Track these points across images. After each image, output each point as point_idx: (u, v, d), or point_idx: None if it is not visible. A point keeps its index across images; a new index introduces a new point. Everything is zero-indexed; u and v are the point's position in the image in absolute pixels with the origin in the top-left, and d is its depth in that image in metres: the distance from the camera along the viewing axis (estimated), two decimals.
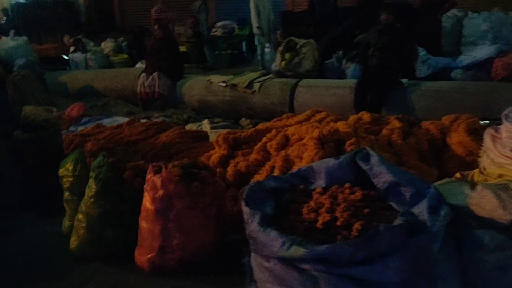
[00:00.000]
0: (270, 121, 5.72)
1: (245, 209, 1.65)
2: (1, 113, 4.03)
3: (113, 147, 3.24)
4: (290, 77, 6.30)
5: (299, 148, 3.11)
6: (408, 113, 4.35)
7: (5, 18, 13.85)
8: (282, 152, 3.19)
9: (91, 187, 2.85)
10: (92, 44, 9.85)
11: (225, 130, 5.58)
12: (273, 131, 3.46)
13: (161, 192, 2.64)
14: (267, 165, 3.18)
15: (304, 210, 1.68)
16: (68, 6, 14.24)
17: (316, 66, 6.49)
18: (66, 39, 13.31)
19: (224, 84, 6.14)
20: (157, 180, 2.66)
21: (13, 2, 15.12)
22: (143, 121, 6.10)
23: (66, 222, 3.18)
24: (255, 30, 8.05)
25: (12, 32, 8.62)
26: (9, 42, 7.98)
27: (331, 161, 1.84)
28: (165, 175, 2.66)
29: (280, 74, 6.42)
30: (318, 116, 3.99)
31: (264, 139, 3.39)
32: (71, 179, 3.14)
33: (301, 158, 3.07)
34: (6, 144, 3.79)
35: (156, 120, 5.21)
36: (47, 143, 3.97)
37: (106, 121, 6.31)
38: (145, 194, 2.72)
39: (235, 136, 3.50)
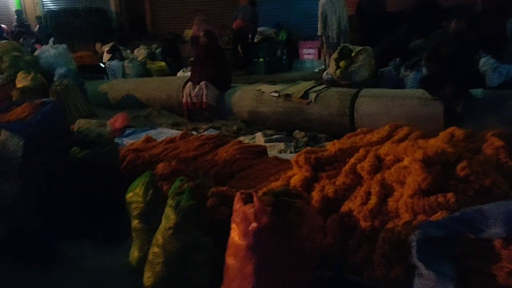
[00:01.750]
0: (326, 133, 5.43)
1: (429, 274, 1.28)
2: (57, 126, 3.73)
3: (187, 170, 2.90)
4: (344, 86, 5.94)
5: (399, 171, 2.73)
6: (485, 127, 3.94)
7: (38, 26, 13.78)
8: (378, 176, 2.82)
9: (170, 218, 2.51)
10: (128, 51, 9.61)
11: (281, 144, 5.29)
12: (361, 151, 3.08)
13: (254, 225, 2.29)
14: (361, 191, 2.81)
15: (496, 270, 1.31)
16: (101, 13, 14.10)
17: (372, 75, 6.11)
18: (98, 46, 13.19)
19: (276, 94, 5.79)
20: (249, 211, 2.31)
21: (46, 10, 15.08)
22: (194, 133, 5.83)
23: (134, 253, 2.86)
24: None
25: (51, 40, 8.42)
26: (49, 50, 7.75)
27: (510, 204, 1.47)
28: (258, 205, 2.32)
29: (333, 83, 6.07)
30: (401, 132, 3.60)
31: (353, 160, 3.01)
32: (141, 205, 2.82)
33: (402, 183, 2.69)
34: (63, 162, 3.50)
35: (212, 134, 4.85)
36: (105, 161, 3.67)
37: (152, 133, 6.03)
38: (233, 226, 2.37)
39: (317, 156, 3.13)
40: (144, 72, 9.24)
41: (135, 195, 2.86)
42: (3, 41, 9.75)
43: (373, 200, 2.70)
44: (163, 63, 9.29)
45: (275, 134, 5.56)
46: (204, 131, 5.98)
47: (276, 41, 10.47)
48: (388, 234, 2.55)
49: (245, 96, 6.12)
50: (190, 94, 6.35)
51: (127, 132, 6.18)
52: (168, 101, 6.88)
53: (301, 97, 5.55)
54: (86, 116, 6.37)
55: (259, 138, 5.40)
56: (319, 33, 7.48)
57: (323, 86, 5.68)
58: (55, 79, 7.30)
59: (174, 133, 5.93)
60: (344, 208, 2.80)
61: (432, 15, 6.23)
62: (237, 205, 2.39)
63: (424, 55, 5.43)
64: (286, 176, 3.24)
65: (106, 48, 11.32)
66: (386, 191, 2.74)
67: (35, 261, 3.11)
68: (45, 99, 3.84)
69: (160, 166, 2.92)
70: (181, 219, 2.49)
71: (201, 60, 6.39)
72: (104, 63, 9.76)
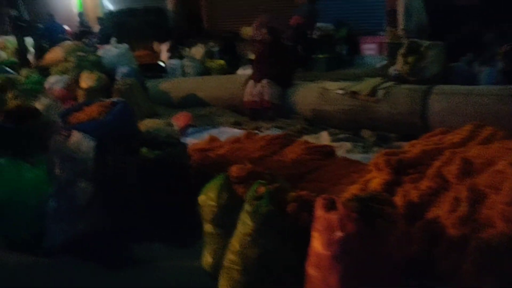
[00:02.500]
0: (396, 133, 5.20)
1: None
2: (128, 126, 3.71)
3: (264, 172, 2.79)
4: (412, 83, 5.67)
5: (493, 176, 2.52)
6: None
7: (99, 27, 14.12)
8: (467, 181, 2.61)
9: (247, 223, 2.41)
10: (187, 50, 9.65)
11: (348, 144, 5.11)
12: (446, 153, 2.88)
13: (339, 233, 2.15)
14: (449, 196, 2.61)
15: None
16: (159, 12, 14.27)
17: (442, 70, 5.81)
18: (155, 45, 13.35)
19: (342, 92, 5.61)
20: (333, 218, 2.17)
21: (105, 11, 15.44)
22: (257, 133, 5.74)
23: (208, 258, 2.78)
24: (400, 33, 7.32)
25: (114, 39, 8.56)
26: (112, 50, 7.87)
27: None
28: (343, 212, 2.17)
29: (400, 79, 5.80)
30: (484, 133, 3.36)
31: (438, 163, 2.82)
32: (215, 209, 2.74)
33: (497, 189, 2.48)
34: (134, 163, 3.48)
35: (277, 133, 4.74)
36: (176, 162, 3.62)
37: (214, 132, 5.99)
38: (315, 234, 2.24)
39: (398, 158, 2.95)
40: (204, 70, 9.25)
41: (208, 198, 2.78)
42: (68, 41, 10.03)
43: (464, 206, 2.50)
44: (222, 62, 9.26)
45: (340, 133, 5.38)
46: (266, 130, 5.89)
47: (336, 37, 10.25)
48: (480, 243, 2.36)
49: (308, 94, 5.97)
50: (251, 92, 6.26)
51: (190, 131, 6.16)
52: (231, 99, 6.82)
53: (369, 94, 5.35)
54: (149, 115, 6.40)
55: (324, 138, 5.24)
56: (401, 26, 7.12)
57: (391, 82, 5.44)
58: (117, 78, 7.39)
59: (236, 132, 5.86)
60: (431, 214, 2.62)
61: (506, 6, 5.85)
62: (319, 211, 2.25)
63: (500, 49, 5.12)
64: (364, 179, 3.08)
65: (164, 46, 11.45)
66: (476, 197, 2.54)
67: (108, 263, 3.10)
68: (115, 99, 3.83)
69: (235, 168, 2.82)
70: (260, 225, 2.38)
71: (264, 57, 6.28)
72: (163, 62, 9.85)
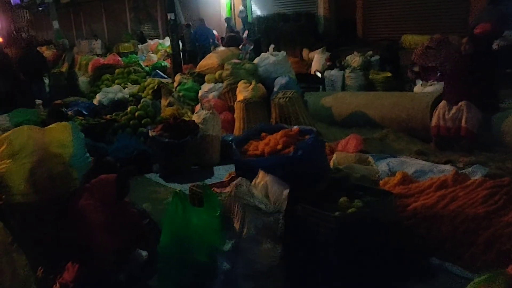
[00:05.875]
0: None
1: None
2: (319, 164, 2.80)
3: None
4: None
5: None
6: None
7: (247, 32, 13.68)
8: None
9: None
10: (348, 59, 8.62)
11: None
12: None
13: None
14: None
15: None
16: (310, 18, 13.46)
17: None
18: (305, 53, 12.53)
19: None
20: None
21: (254, 16, 15.05)
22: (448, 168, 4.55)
23: None
24: None
25: (272, 46, 7.82)
26: (269, 57, 7.12)
27: None
28: None
29: None
30: None
31: None
32: None
33: None
34: (330, 218, 2.54)
35: (502, 179, 3.51)
36: (383, 219, 2.64)
37: (394, 162, 4.88)
38: None
39: None
40: (366, 83, 8.18)
41: None
42: (223, 48, 9.58)
43: None
44: (389, 74, 8.10)
45: None
46: (461, 164, 4.66)
47: None
48: None
49: None
50: (444, 116, 5.05)
51: None
52: (409, 122, 5.68)
53: None
54: None
55: None
56: None
57: None
58: (275, 89, 6.60)
59: (423, 165, 4.71)
60: None
61: None
62: None
63: None
64: None
65: (316, 54, 10.57)
66: None
67: None
68: (302, 127, 2.94)
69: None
70: None
71: (463, 73, 5.02)
72: (320, 72, 8.95)
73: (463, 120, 4.89)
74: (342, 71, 8.38)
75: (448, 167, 4.45)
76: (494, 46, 7.93)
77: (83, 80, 11.09)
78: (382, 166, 4.78)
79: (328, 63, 9.00)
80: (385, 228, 2.68)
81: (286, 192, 2.32)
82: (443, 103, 5.12)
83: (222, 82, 7.25)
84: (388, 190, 3.08)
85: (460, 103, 4.94)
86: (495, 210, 3.17)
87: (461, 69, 5.11)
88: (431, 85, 6.34)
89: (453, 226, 3.04)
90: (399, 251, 2.81)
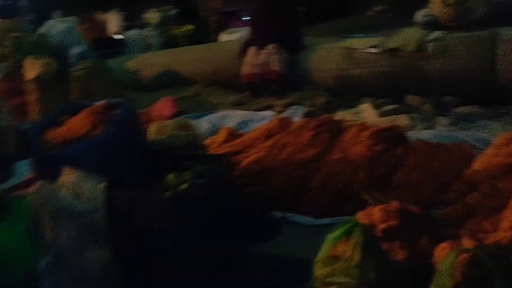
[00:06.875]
0: (455, 96, 4.12)
1: None
2: (136, 140, 2.41)
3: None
4: (454, 29, 4.54)
5: None
6: None
7: None
8: None
9: None
10: (148, 17, 8.09)
11: (403, 117, 3.99)
12: None
13: None
14: None
15: None
16: None
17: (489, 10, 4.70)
18: (97, 16, 11.58)
19: (376, 50, 4.43)
20: None
21: None
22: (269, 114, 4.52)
23: None
24: None
25: (59, 12, 6.86)
26: (57, 25, 6.24)
27: None
28: None
29: (434, 26, 4.65)
30: None
31: None
32: None
33: None
34: (160, 202, 2.20)
35: (325, 117, 3.52)
36: (222, 188, 2.39)
37: (214, 118, 4.72)
38: None
39: None
40: (168, 40, 7.79)
41: (335, 273, 1.57)
42: None
43: None
44: (190, 27, 7.81)
45: (384, 104, 4.24)
46: (280, 108, 4.66)
47: None
48: None
49: (329, 57, 4.74)
50: (253, 62, 4.96)
51: None
52: (220, 74, 5.50)
53: (415, 50, 4.21)
54: None
55: (368, 112, 4.09)
56: None
57: (440, 32, 4.30)
58: (72, 61, 5.87)
59: (244, 115, 4.62)
60: None
61: None
62: None
63: None
64: None
65: (112, 16, 9.79)
66: None
67: None
68: (110, 100, 2.49)
69: (377, 213, 1.60)
70: None
71: (264, 15, 4.94)
72: (119, 34, 8.26)
73: (272, 64, 4.87)
74: (142, 30, 7.86)
75: (268, 113, 4.42)
76: None
77: None
78: (204, 124, 4.56)
79: (125, 24, 8.38)
80: (224, 194, 2.44)
81: (101, 185, 1.90)
82: (250, 49, 5.03)
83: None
84: (219, 153, 2.85)
85: (266, 47, 4.89)
86: (323, 150, 3.15)
87: (263, 11, 5.03)
88: (235, 32, 6.24)
89: (287, 175, 2.94)
90: (241, 214, 2.61)
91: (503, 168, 2.34)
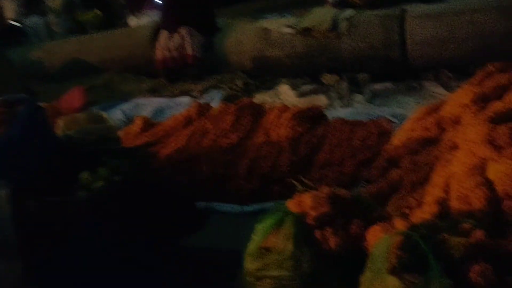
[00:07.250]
0: (367, 72, 4.18)
1: None
2: (43, 137, 2.20)
3: (365, 199, 1.59)
4: (361, 7, 4.60)
5: None
6: None
7: None
8: None
9: None
10: (48, 2, 7.54)
11: (322, 97, 4.01)
12: None
13: None
14: None
15: None
16: None
17: None
18: None
19: (291, 31, 4.41)
20: None
21: None
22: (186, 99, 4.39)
23: None
24: None
25: None
26: None
27: None
28: None
29: (346, 3, 4.68)
30: None
31: None
32: (291, 283, 1.49)
33: None
34: (74, 205, 2.03)
35: (244, 100, 3.45)
36: (144, 184, 2.25)
37: (128, 108, 4.54)
38: None
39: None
40: (75, 26, 7.33)
41: (268, 266, 1.51)
42: None
43: None
44: (98, 12, 7.39)
45: (301, 84, 4.24)
46: (197, 93, 4.54)
47: None
48: None
49: (245, 39, 4.66)
50: (167, 46, 4.78)
51: None
52: (132, 60, 5.26)
53: (328, 29, 4.23)
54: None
55: (287, 93, 4.07)
56: None
57: (351, 10, 4.34)
58: None
59: (160, 102, 4.47)
60: None
61: None
62: None
63: None
64: (446, 172, 1.93)
65: (7, 1, 9.08)
66: None
67: None
68: (10, 96, 2.26)
69: (308, 200, 1.55)
70: None
71: None
72: (18, 22, 7.67)
73: (187, 47, 4.71)
74: (44, 16, 7.34)
75: (186, 99, 4.29)
76: None
77: None
78: (117, 114, 4.37)
79: (23, 10, 7.78)
80: (143, 189, 2.31)
81: (4, 192, 1.72)
82: (163, 33, 4.83)
83: None
84: (135, 145, 2.70)
85: (180, 30, 4.73)
86: (246, 134, 3.09)
87: None
88: (145, 16, 5.99)
89: (211, 162, 2.85)
90: (163, 208, 2.50)
91: (421, 142, 2.38)
